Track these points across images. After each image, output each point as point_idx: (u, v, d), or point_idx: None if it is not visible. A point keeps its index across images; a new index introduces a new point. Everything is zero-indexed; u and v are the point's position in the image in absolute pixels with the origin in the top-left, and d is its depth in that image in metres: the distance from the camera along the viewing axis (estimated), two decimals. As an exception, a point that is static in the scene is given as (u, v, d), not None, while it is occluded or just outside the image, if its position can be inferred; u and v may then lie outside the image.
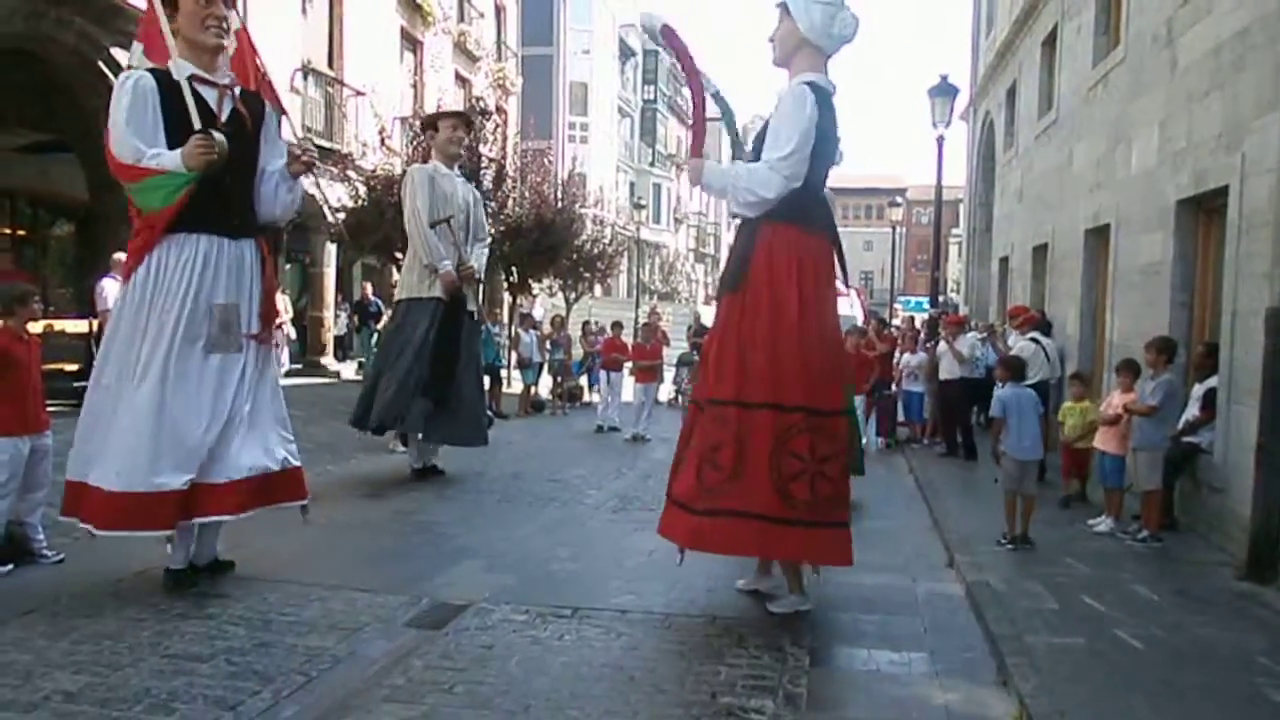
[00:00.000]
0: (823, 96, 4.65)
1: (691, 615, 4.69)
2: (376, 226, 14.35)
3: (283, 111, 5.26)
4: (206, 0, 4.66)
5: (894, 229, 35.80)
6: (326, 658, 3.89)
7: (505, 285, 18.62)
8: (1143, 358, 7.01)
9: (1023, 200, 14.52)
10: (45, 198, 15.60)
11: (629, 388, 13.50)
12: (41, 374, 5.24)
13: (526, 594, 4.88)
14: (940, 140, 15.71)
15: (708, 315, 16.01)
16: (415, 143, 15.32)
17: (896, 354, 12.81)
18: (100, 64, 11.76)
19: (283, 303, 16.16)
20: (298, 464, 5.10)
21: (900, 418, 12.60)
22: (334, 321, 18.70)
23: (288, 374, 15.62)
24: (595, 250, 20.91)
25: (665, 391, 14.15)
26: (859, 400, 8.84)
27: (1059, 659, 4.15)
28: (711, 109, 5.22)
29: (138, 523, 4.49)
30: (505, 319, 19.59)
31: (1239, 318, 6.34)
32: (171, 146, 4.57)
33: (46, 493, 5.12)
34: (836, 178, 6.27)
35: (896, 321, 21.93)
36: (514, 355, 15.70)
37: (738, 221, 5.04)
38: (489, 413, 9.93)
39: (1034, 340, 9.65)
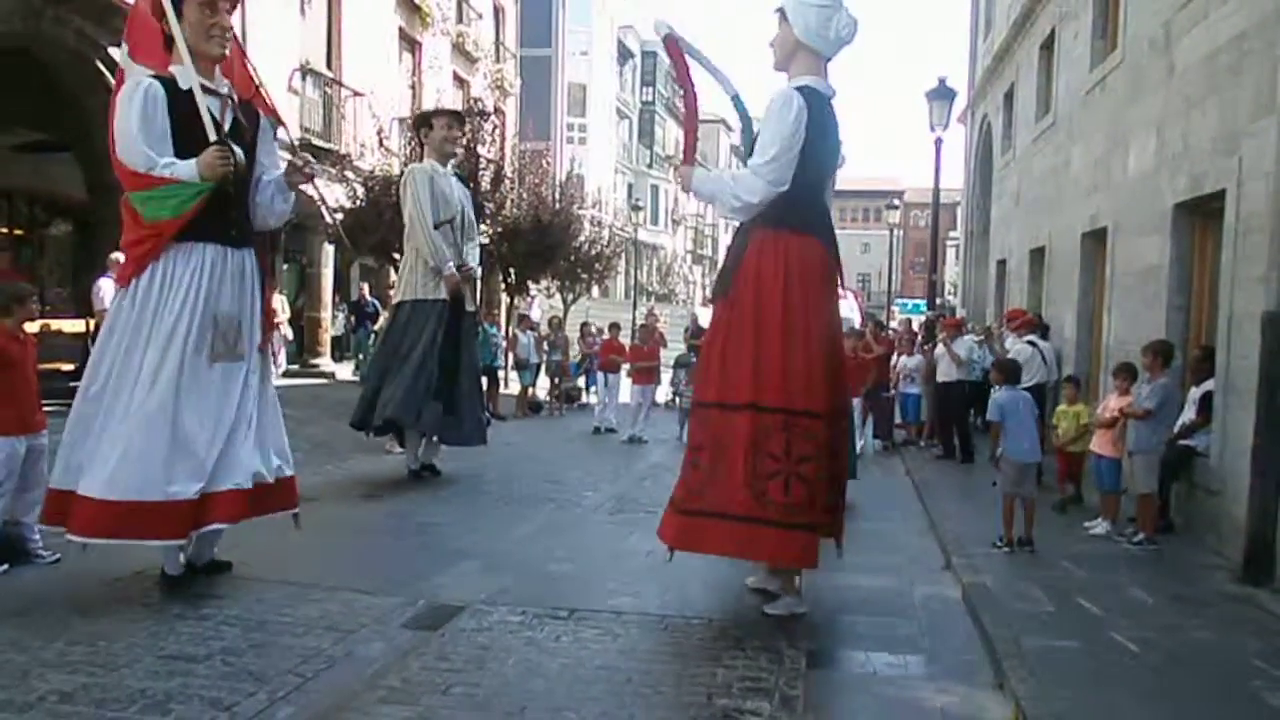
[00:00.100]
0: (817, 100, 4.65)
1: (688, 617, 4.69)
2: (374, 227, 14.35)
3: (280, 122, 5.28)
4: (211, 10, 4.66)
5: (891, 231, 35.86)
6: (322, 658, 3.88)
7: (503, 286, 18.63)
8: (1140, 361, 7.02)
9: (1020, 203, 14.54)
10: (43, 197, 15.59)
11: (626, 389, 13.51)
12: (38, 374, 5.22)
13: (523, 595, 4.87)
14: (938, 143, 15.75)
15: (705, 317, 16.00)
16: (413, 143, 15.32)
17: (893, 356, 12.83)
18: (98, 63, 11.76)
19: (280, 303, 16.22)
20: (291, 473, 5.13)
21: (897, 420, 12.62)
22: (331, 322, 18.70)
23: (285, 374, 15.63)
24: (593, 251, 20.95)
25: (663, 393, 14.15)
26: (856, 402, 8.84)
27: (1055, 661, 4.15)
28: (715, 112, 5.23)
29: (148, 531, 4.45)
30: (503, 320, 19.60)
31: (1235, 321, 6.35)
32: (177, 155, 4.57)
33: (43, 492, 5.10)
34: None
35: (894, 324, 21.97)
36: (511, 356, 15.70)
37: (735, 224, 5.06)
38: (486, 413, 9.94)
39: (1031, 343, 9.67)
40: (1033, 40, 13.68)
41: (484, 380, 10.98)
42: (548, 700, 3.58)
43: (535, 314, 18.79)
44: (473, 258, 8.37)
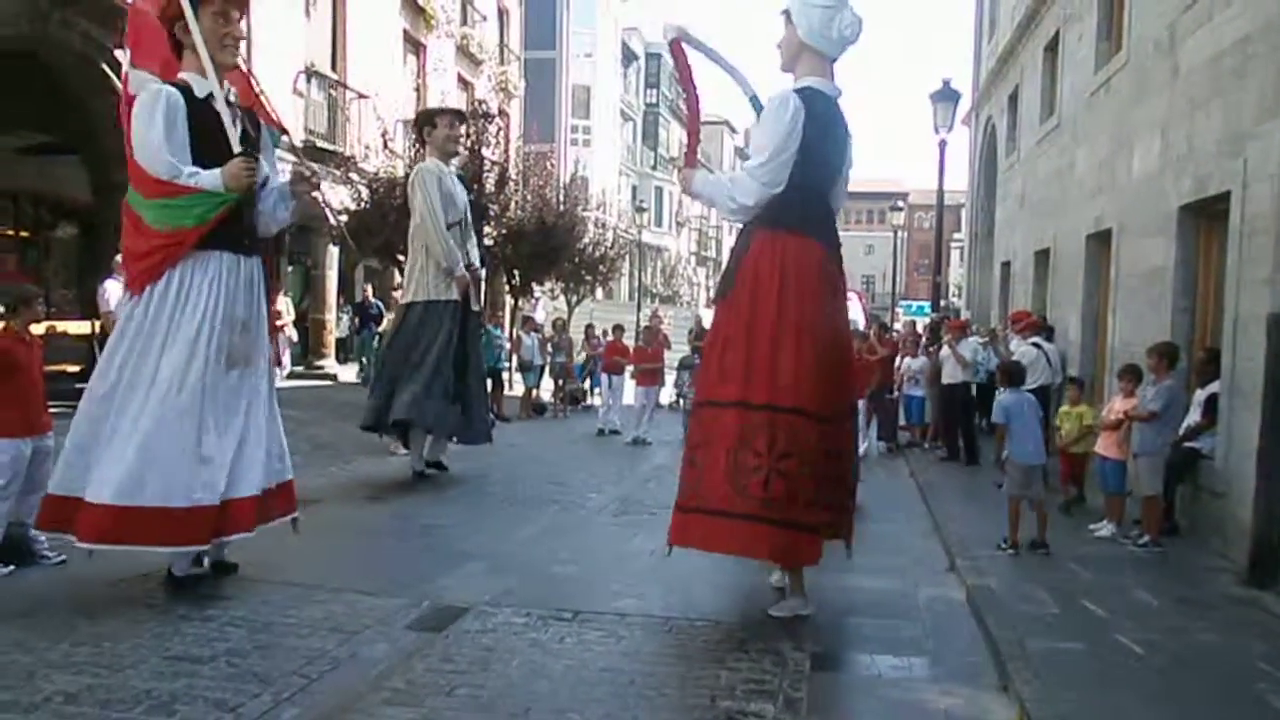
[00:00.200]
0: (818, 101, 4.64)
1: (692, 619, 4.69)
2: (379, 229, 14.36)
3: (284, 131, 5.30)
4: (225, 19, 4.69)
5: (895, 233, 35.86)
6: (327, 660, 3.89)
7: (507, 288, 18.65)
8: (1145, 363, 7.01)
9: (1024, 205, 14.52)
10: (48, 199, 15.63)
11: (630, 391, 13.52)
12: (44, 376, 5.24)
13: (527, 597, 4.88)
14: (942, 145, 15.74)
15: (709, 318, 16.03)
16: (417, 145, 15.35)
17: (898, 358, 12.82)
18: (104, 66, 11.79)
19: (285, 305, 16.25)
20: (290, 477, 5.17)
21: (901, 421, 12.61)
22: (336, 324, 18.72)
23: (290, 376, 15.66)
24: (597, 253, 20.94)
25: (666, 395, 14.15)
26: (860, 404, 8.83)
27: (1060, 664, 4.15)
28: (718, 114, 5.25)
29: (170, 538, 4.47)
30: (507, 322, 19.61)
31: (1241, 323, 6.34)
32: (195, 163, 4.60)
33: (47, 494, 5.12)
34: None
35: (898, 326, 21.94)
36: (515, 358, 15.72)
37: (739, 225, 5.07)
38: (491, 414, 9.96)
39: (1036, 345, 9.65)
40: (1037, 42, 13.67)
41: (489, 382, 11.00)
42: (552, 702, 3.59)
43: (539, 316, 18.81)
44: (475, 257, 8.39)
